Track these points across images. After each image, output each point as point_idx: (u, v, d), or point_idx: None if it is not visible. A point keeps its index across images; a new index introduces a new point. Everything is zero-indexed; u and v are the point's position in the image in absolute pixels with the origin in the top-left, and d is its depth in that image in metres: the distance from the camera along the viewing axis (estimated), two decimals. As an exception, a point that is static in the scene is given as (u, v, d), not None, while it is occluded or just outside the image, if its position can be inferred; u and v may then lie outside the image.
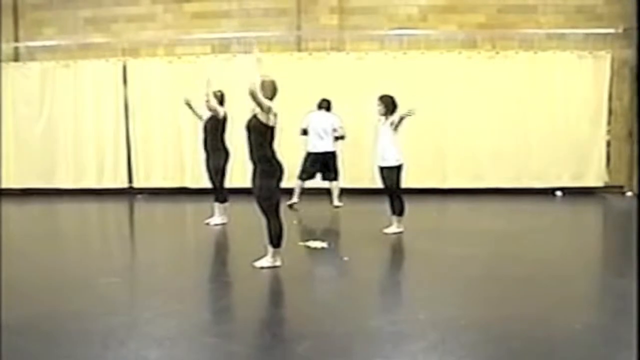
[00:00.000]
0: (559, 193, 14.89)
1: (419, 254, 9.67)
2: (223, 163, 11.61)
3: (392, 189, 10.67)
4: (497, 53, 14.99)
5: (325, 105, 13.44)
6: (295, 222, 11.94)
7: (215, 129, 11.50)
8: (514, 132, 14.82)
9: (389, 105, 10.60)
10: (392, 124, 10.53)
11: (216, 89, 11.65)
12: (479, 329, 6.16)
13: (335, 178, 13.48)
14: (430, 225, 11.72)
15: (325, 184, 13.55)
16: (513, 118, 14.80)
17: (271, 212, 8.44)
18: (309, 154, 13.26)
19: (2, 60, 16.18)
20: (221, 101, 11.66)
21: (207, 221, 11.84)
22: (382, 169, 10.70)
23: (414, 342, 5.92)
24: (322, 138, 13.16)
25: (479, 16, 15.34)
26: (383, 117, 10.70)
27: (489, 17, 15.31)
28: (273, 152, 8.44)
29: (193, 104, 12.11)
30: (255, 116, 8.32)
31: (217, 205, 11.82)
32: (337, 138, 13.36)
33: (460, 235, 10.84)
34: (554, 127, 14.77)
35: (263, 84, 8.30)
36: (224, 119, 11.51)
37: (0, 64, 16.21)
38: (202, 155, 11.86)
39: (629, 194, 14.82)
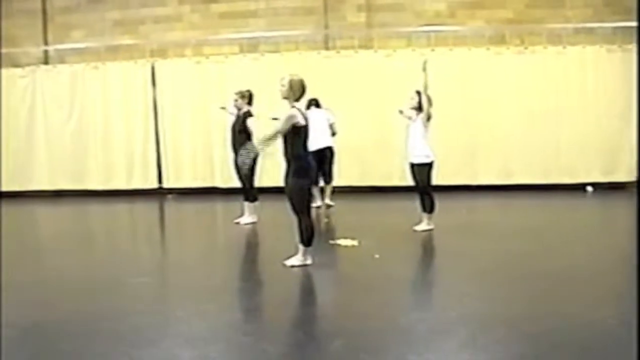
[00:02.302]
0: (589, 188, 14.78)
1: (449, 251, 9.64)
2: (252, 163, 11.61)
3: (423, 186, 10.64)
4: (526, 48, 14.90)
5: (314, 103, 13.06)
6: (325, 220, 11.96)
7: (243, 129, 11.51)
8: (543, 127, 14.72)
9: (422, 100, 10.55)
10: (428, 120, 10.49)
11: (244, 88, 11.66)
12: (511, 326, 6.12)
13: (330, 180, 13.21)
14: (461, 222, 11.68)
15: (353, 182, 13.48)
16: (542, 113, 14.70)
17: (302, 211, 8.43)
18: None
19: (33, 63, 16.33)
20: (249, 101, 11.67)
21: (237, 220, 11.86)
22: (412, 165, 10.68)
23: (447, 339, 5.90)
24: (319, 134, 12.64)
25: (507, 11, 15.27)
26: (414, 113, 10.66)
27: (517, 12, 15.25)
28: (305, 151, 8.44)
29: (224, 105, 12.17)
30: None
31: (246, 204, 11.83)
32: (333, 133, 13.09)
33: (491, 232, 10.79)
34: (584, 122, 14.65)
35: (291, 82, 8.31)
36: (246, 116, 11.51)
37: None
38: (230, 155, 11.87)
39: (661, 188, 14.71)
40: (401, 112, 11.14)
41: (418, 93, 10.62)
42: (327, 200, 13.21)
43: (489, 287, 7.55)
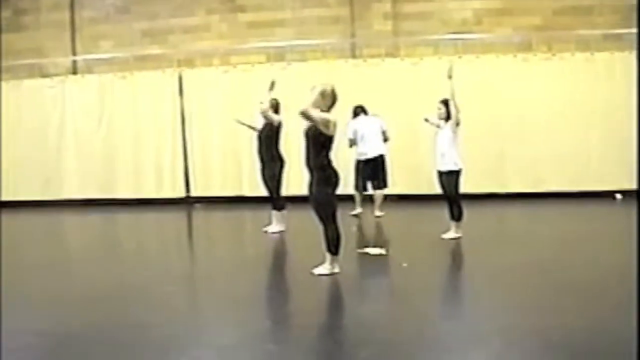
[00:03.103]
0: (618, 196, 14.68)
1: (478, 260, 9.59)
2: (279, 171, 11.64)
3: (451, 194, 10.62)
4: (554, 55, 14.85)
5: (360, 111, 13.28)
6: (353, 229, 11.95)
7: (269, 137, 11.54)
8: (572, 134, 14.64)
9: (449, 108, 10.55)
10: (456, 125, 10.49)
11: (272, 96, 11.69)
12: (540, 337, 6.08)
13: (384, 185, 13.28)
14: (490, 231, 11.66)
15: (389, 190, 13.48)
16: (571, 120, 14.63)
17: (328, 220, 8.44)
18: (359, 162, 13.07)
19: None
20: (276, 109, 11.68)
21: (265, 229, 11.88)
22: (441, 173, 10.66)
23: (477, 351, 5.87)
24: (374, 143, 12.97)
25: (534, 18, 15.22)
26: (442, 121, 10.67)
27: (544, 18, 15.20)
28: (329, 160, 8.44)
29: (243, 120, 12.20)
30: (314, 125, 8.33)
31: (274, 213, 11.86)
32: (385, 140, 13.18)
33: (520, 241, 10.73)
34: (613, 128, 14.54)
35: (324, 93, 8.30)
36: (279, 127, 11.54)
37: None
38: (257, 163, 11.90)
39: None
40: (427, 120, 11.16)
41: (444, 103, 10.61)
42: (377, 212, 13.18)
43: (520, 297, 7.50)
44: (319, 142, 8.29)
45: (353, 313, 7.42)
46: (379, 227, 12.41)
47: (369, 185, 13.20)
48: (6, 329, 6.53)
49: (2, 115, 16.44)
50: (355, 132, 12.99)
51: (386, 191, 13.36)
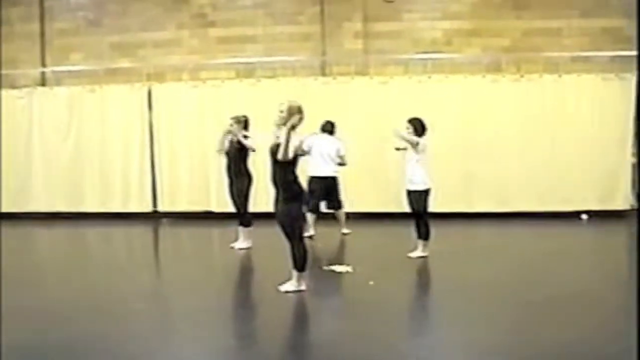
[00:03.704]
0: (584, 216, 14.76)
1: (444, 278, 9.63)
2: (246, 187, 11.63)
3: (419, 213, 10.65)
4: (522, 76, 14.94)
5: (329, 128, 13.08)
6: (319, 245, 11.94)
7: (238, 153, 11.53)
8: (539, 155, 14.72)
9: (417, 128, 10.58)
10: (416, 146, 10.52)
11: (240, 114, 11.68)
12: (506, 353, 6.11)
13: (339, 206, 13.16)
14: (457, 249, 11.67)
15: (348, 208, 13.44)
16: (538, 141, 14.72)
17: (295, 237, 8.44)
18: (311, 178, 12.77)
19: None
20: (245, 126, 11.68)
21: (231, 245, 11.86)
22: (409, 192, 10.68)
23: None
24: (326, 162, 12.74)
25: (503, 40, 15.34)
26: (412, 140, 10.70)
27: (513, 40, 15.31)
28: (296, 177, 8.46)
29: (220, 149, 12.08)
30: (278, 144, 8.33)
31: (241, 229, 11.84)
32: (339, 164, 12.91)
33: (487, 259, 10.79)
34: (580, 150, 14.64)
35: (290, 108, 8.31)
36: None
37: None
38: (225, 180, 11.89)
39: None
40: (398, 149, 11.18)
41: (411, 122, 10.64)
42: (344, 229, 13.13)
43: (486, 314, 7.54)
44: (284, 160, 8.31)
45: (319, 330, 7.41)
46: (345, 245, 12.40)
47: (322, 205, 13.12)
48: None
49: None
50: (310, 148, 12.81)
51: (349, 209, 13.34)
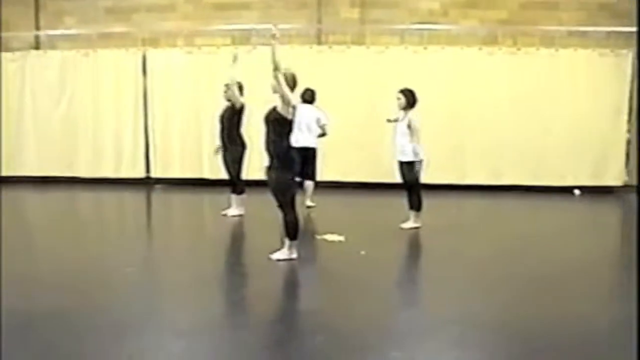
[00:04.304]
0: (577, 191, 14.76)
1: (436, 250, 9.65)
2: (240, 155, 11.60)
3: (411, 184, 10.65)
4: (518, 49, 14.88)
5: (308, 97, 12.66)
6: (313, 215, 11.94)
7: (231, 120, 11.48)
8: (533, 129, 14.70)
9: (409, 98, 10.56)
10: (409, 126, 10.49)
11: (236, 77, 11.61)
12: (497, 327, 6.13)
13: (312, 177, 12.78)
14: (448, 222, 11.68)
15: (341, 177, 13.38)
16: (533, 115, 14.69)
17: (287, 205, 8.44)
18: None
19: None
20: (241, 91, 11.63)
21: (224, 212, 11.84)
22: (401, 163, 10.68)
23: (432, 338, 5.92)
24: (303, 133, 12.24)
25: (500, 12, 15.26)
26: (402, 112, 10.67)
27: (510, 12, 15.24)
28: (289, 145, 8.44)
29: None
30: (274, 109, 8.33)
31: (234, 197, 11.82)
32: (320, 135, 12.61)
33: (478, 232, 10.81)
34: (574, 125, 14.62)
35: (285, 76, 8.31)
36: (241, 110, 11.48)
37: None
38: (219, 146, 11.86)
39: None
40: (389, 120, 11.15)
41: (403, 92, 10.62)
42: (308, 202, 12.79)
43: (476, 288, 7.56)
44: (279, 125, 8.30)
45: (309, 299, 7.42)
46: (338, 215, 12.38)
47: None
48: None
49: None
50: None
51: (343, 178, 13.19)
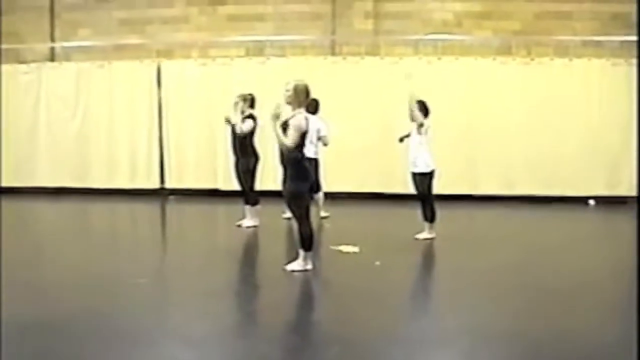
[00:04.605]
0: (591, 202, 14.73)
1: (450, 261, 9.62)
2: (253, 166, 11.62)
3: (424, 195, 10.65)
4: (532, 60, 14.87)
5: (312, 107, 11.96)
6: (327, 225, 11.94)
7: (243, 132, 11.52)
8: (547, 139, 14.66)
9: (421, 110, 10.54)
10: (420, 127, 10.49)
11: (247, 92, 11.67)
12: (508, 338, 6.11)
13: (317, 189, 12.48)
14: (462, 232, 11.65)
15: (355, 188, 13.32)
16: (546, 125, 14.64)
17: (301, 216, 8.44)
18: None
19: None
20: (252, 104, 11.67)
21: (238, 223, 11.85)
22: (414, 175, 10.68)
23: (445, 350, 5.91)
24: (307, 145, 12.16)
25: (514, 22, 15.25)
26: (414, 124, 10.66)
27: (524, 23, 15.22)
28: (303, 156, 8.46)
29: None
30: (286, 122, 8.34)
31: (248, 207, 11.83)
32: (324, 144, 12.35)
33: (492, 243, 10.77)
34: (588, 134, 14.58)
35: (296, 88, 8.33)
36: (254, 123, 11.52)
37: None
38: (231, 158, 11.89)
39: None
40: (402, 140, 11.13)
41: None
42: (322, 212, 12.69)
43: (489, 299, 7.53)
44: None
45: (324, 310, 7.42)
46: (352, 225, 12.37)
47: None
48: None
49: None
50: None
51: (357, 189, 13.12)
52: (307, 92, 8.47)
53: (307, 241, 8.47)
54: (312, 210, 12.01)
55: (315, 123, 12.12)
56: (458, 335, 6.22)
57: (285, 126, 8.35)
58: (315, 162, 12.12)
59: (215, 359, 5.73)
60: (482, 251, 10.07)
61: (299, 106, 8.39)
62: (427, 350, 5.91)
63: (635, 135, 14.00)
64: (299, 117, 8.33)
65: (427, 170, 10.53)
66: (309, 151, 11.95)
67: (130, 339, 6.04)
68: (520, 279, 8.39)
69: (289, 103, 8.40)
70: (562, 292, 7.79)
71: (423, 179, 10.58)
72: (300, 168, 8.40)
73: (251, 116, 11.55)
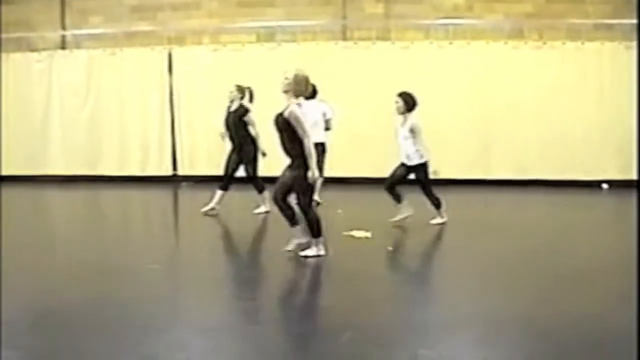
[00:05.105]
0: (604, 186, 14.68)
1: (463, 246, 9.57)
2: (254, 153, 11.62)
3: (424, 185, 10.59)
4: (544, 43, 14.80)
5: (310, 92, 12.45)
6: (339, 211, 11.92)
7: (236, 122, 11.55)
8: (559, 123, 14.61)
9: (408, 102, 10.48)
10: (411, 130, 10.41)
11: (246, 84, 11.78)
12: (523, 323, 6.08)
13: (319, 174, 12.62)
14: (476, 217, 11.63)
15: (366, 173, 13.26)
16: (559, 109, 14.60)
17: (304, 203, 8.41)
18: None
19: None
20: (251, 98, 11.70)
21: (257, 211, 11.87)
22: (408, 167, 10.59)
23: (459, 335, 5.88)
24: (312, 130, 12.10)
25: (526, 5, 15.15)
26: (401, 116, 10.57)
27: (536, 6, 15.13)
28: (302, 145, 8.40)
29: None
30: (281, 114, 8.30)
31: (261, 196, 11.83)
32: (326, 128, 12.36)
33: (505, 228, 10.74)
34: (601, 118, 14.52)
35: (296, 77, 8.29)
36: (245, 113, 11.72)
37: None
38: (228, 148, 11.94)
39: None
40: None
41: (401, 95, 10.50)
42: (316, 197, 12.18)
43: (503, 284, 7.51)
44: (289, 130, 8.28)
45: (337, 296, 7.39)
46: (364, 211, 12.36)
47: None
48: (-13, 303, 6.51)
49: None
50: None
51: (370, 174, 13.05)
52: (307, 82, 8.42)
53: (316, 228, 8.46)
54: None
55: (318, 107, 12.08)
56: (472, 321, 6.19)
57: (280, 119, 8.30)
58: (322, 146, 12.14)
59: (228, 346, 5.71)
60: (495, 236, 10.06)
61: (296, 96, 8.34)
62: (440, 336, 5.89)
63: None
64: (294, 110, 8.27)
65: (421, 161, 10.45)
66: (316, 136, 11.98)
67: (142, 325, 6.04)
68: (534, 264, 8.36)
69: (285, 92, 8.33)
70: (576, 277, 7.75)
71: (418, 171, 10.51)
72: (299, 156, 8.35)
73: (243, 108, 11.59)
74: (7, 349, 5.41)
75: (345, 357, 5.40)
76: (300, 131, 8.22)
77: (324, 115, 12.17)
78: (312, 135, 11.72)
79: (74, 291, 7.17)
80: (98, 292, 7.16)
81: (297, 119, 8.22)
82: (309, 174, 8.24)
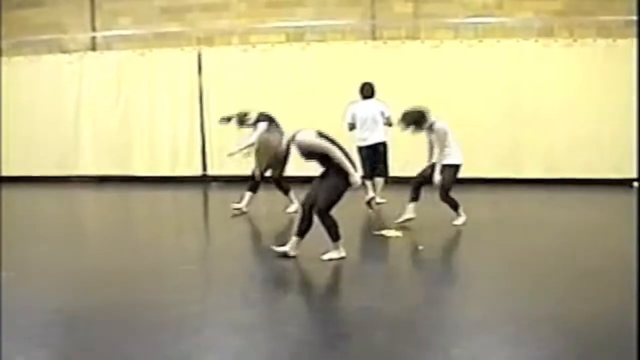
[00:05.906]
0: (635, 184, 14.56)
1: (493, 245, 9.54)
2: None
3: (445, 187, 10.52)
4: (575, 41, 14.70)
5: (367, 91, 12.46)
6: (370, 211, 11.92)
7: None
8: (590, 121, 14.50)
9: (416, 122, 10.36)
10: (437, 138, 10.37)
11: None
12: (554, 322, 6.05)
13: (384, 173, 12.63)
14: (505, 216, 11.63)
15: (396, 173, 13.27)
16: (590, 107, 14.49)
17: (322, 207, 8.32)
18: (360, 149, 12.36)
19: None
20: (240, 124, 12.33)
21: (288, 210, 11.93)
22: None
23: (490, 334, 5.87)
24: (371, 130, 12.27)
25: (555, 3, 15.06)
26: (425, 132, 10.53)
27: (566, 3, 15.03)
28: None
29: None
30: (293, 137, 8.36)
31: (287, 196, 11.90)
32: (387, 124, 12.39)
33: (535, 227, 10.68)
34: (632, 116, 14.41)
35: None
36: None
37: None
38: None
39: None
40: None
41: (403, 119, 10.47)
42: (377, 197, 12.51)
43: (533, 283, 7.48)
44: (314, 155, 8.30)
45: (368, 296, 7.38)
46: (395, 210, 12.34)
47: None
48: (22, 306, 6.58)
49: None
50: (354, 117, 12.38)
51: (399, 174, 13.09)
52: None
53: (334, 232, 8.39)
54: (369, 194, 12.03)
55: (376, 106, 12.16)
56: (501, 320, 6.18)
57: (307, 150, 8.33)
58: (383, 145, 12.38)
59: (262, 345, 5.73)
60: (525, 235, 10.01)
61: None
62: (472, 336, 5.88)
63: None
64: (299, 139, 8.34)
65: (449, 162, 10.42)
66: (377, 136, 12.07)
67: (176, 326, 6.06)
68: (563, 262, 8.33)
69: None
70: (607, 275, 7.71)
71: (447, 171, 10.45)
72: (342, 171, 8.30)
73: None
74: (41, 349, 5.46)
75: (379, 357, 5.40)
76: (319, 150, 8.19)
77: (382, 114, 12.25)
78: (373, 136, 11.90)
79: (106, 292, 7.21)
80: (130, 293, 7.21)
81: (308, 146, 8.22)
82: (350, 179, 8.21)
